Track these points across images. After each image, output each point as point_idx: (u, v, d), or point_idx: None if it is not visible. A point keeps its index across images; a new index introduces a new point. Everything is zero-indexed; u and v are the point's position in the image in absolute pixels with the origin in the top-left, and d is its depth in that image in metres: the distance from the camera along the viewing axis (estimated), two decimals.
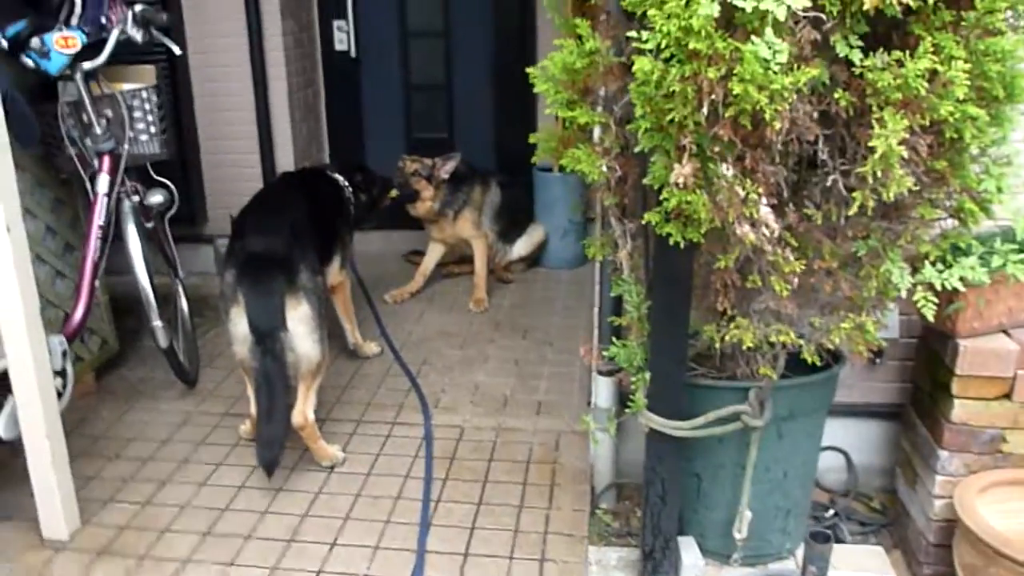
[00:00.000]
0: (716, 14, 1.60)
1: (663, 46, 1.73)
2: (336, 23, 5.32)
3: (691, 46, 1.68)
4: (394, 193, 4.47)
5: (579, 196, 4.81)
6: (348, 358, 4.03)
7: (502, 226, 5.02)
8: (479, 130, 5.56)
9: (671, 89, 1.76)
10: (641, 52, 1.78)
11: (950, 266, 2.07)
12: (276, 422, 2.92)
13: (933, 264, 2.08)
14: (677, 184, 1.85)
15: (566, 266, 5.20)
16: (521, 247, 5.17)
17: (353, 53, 5.37)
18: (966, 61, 1.76)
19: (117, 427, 3.44)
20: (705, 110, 1.75)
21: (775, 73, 1.64)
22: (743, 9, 1.60)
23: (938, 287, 2.04)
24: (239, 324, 2.97)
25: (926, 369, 2.76)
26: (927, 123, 1.80)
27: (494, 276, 5.03)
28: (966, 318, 2.47)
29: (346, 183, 3.91)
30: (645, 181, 2.01)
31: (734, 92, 1.68)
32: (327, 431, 3.31)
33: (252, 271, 2.98)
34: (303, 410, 3.01)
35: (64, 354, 2.84)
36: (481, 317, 4.56)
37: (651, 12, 1.72)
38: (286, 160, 5.05)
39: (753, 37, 1.62)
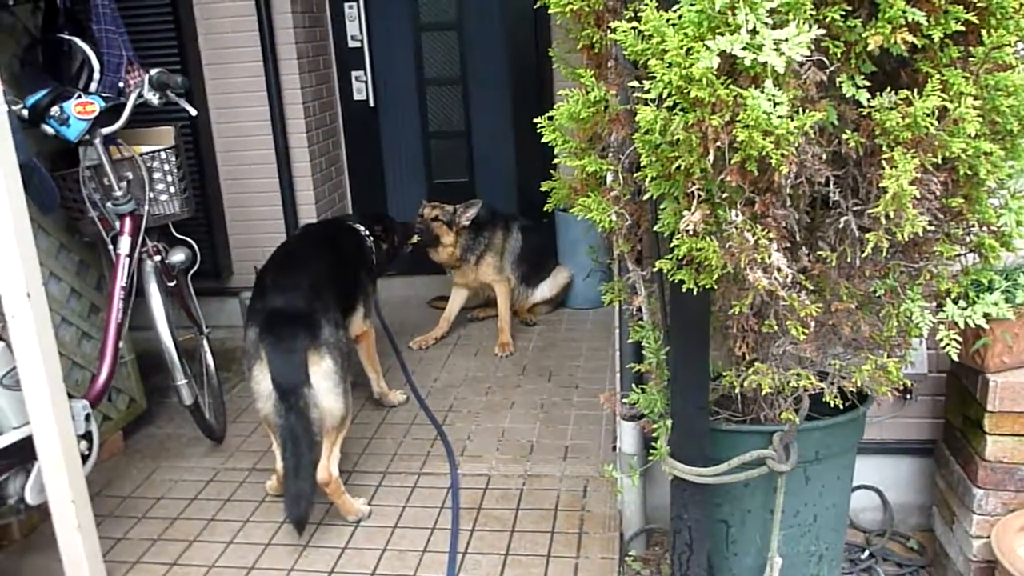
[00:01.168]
0: (716, 65, 1.58)
1: (665, 95, 1.72)
2: (354, 74, 5.39)
3: (693, 94, 1.66)
4: (415, 239, 4.50)
5: (600, 239, 4.80)
6: (373, 408, 4.02)
7: (524, 269, 5.01)
8: (500, 174, 5.58)
9: (676, 137, 1.74)
10: (644, 101, 1.77)
11: (973, 303, 2.03)
12: (303, 478, 2.91)
13: (955, 301, 2.03)
14: (687, 231, 1.83)
15: (591, 306, 5.17)
16: (545, 290, 5.16)
17: (372, 102, 5.43)
18: (976, 97, 1.73)
19: (145, 487, 3.45)
20: (711, 157, 1.72)
21: (779, 118, 1.62)
22: (742, 59, 1.58)
23: (961, 325, 1.99)
24: (262, 381, 2.98)
25: (957, 405, 2.70)
26: (939, 161, 1.77)
27: (517, 318, 5.01)
28: (995, 353, 2.41)
29: (367, 233, 3.92)
30: (656, 228, 1.99)
31: (739, 138, 1.66)
32: (353, 483, 3.30)
33: (274, 328, 3.00)
34: (327, 466, 3.00)
35: (88, 417, 2.84)
36: (507, 361, 4.54)
37: (652, 62, 1.71)
38: (309, 210, 5.09)
39: (753, 89, 1.59)
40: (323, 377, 2.97)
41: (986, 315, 2.02)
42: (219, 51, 4.82)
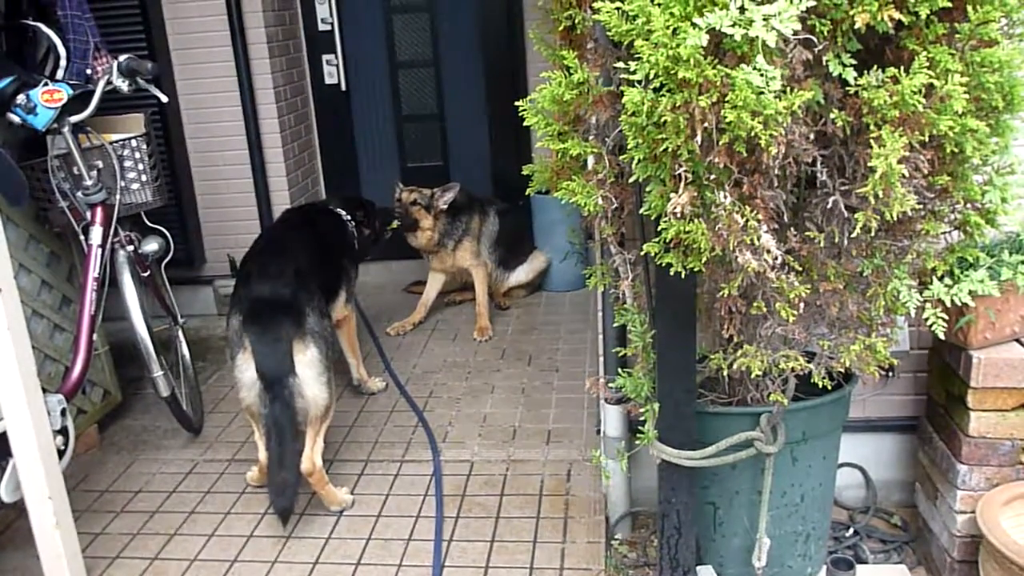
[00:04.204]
0: (704, 42, 1.56)
1: (652, 76, 1.69)
2: (325, 57, 5.32)
3: (681, 75, 1.64)
4: (394, 224, 4.46)
5: (578, 221, 4.77)
6: (353, 395, 3.98)
7: (501, 253, 4.98)
8: (474, 157, 5.54)
9: (663, 119, 1.72)
10: (630, 82, 1.74)
11: (958, 280, 2.03)
12: (288, 468, 2.88)
13: (941, 279, 2.03)
14: (675, 214, 1.81)
15: (569, 289, 5.16)
16: (522, 274, 5.13)
17: (343, 86, 5.36)
18: (962, 74, 1.72)
19: (123, 480, 3.40)
20: (699, 138, 1.70)
21: (768, 98, 1.60)
22: (731, 36, 1.56)
23: (947, 303, 1.99)
24: (246, 370, 2.94)
25: (939, 382, 2.71)
26: (926, 139, 1.76)
27: (493, 302, 4.99)
28: (978, 329, 2.41)
29: (349, 218, 3.88)
30: (642, 211, 1.97)
31: (727, 119, 1.64)
32: (335, 472, 3.27)
33: (259, 316, 2.96)
34: (311, 456, 2.97)
35: (63, 412, 2.79)
36: (486, 346, 4.52)
37: (638, 42, 1.68)
38: (282, 196, 5.02)
39: (744, 65, 1.57)
40: (308, 366, 2.93)
41: (971, 292, 2.03)
42: (187, 36, 4.73)
